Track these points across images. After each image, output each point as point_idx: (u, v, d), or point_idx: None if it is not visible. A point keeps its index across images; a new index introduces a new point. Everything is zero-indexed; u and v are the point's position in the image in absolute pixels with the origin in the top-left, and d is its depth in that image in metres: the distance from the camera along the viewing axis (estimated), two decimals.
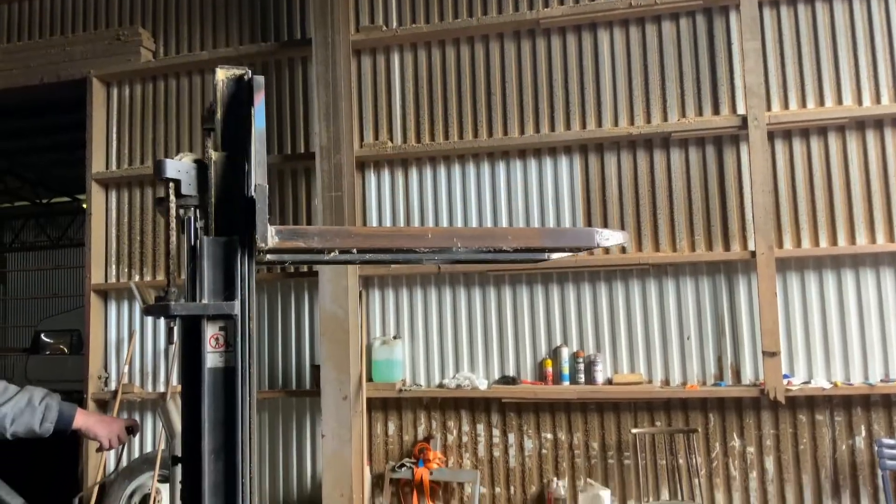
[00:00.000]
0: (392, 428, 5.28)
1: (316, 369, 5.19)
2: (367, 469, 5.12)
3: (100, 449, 2.23)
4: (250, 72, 2.15)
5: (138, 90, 6.03)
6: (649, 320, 5.00)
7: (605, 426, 4.99)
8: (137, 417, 5.65)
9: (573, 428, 5.03)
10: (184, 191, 2.06)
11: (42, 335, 12.81)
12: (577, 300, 5.12)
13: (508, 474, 5.08)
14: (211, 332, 2.09)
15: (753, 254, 4.72)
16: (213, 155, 2.09)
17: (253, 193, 2.05)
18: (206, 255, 2.07)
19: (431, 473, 5.01)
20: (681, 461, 4.79)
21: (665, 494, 4.78)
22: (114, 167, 5.97)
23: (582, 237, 2.44)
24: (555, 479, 4.97)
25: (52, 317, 13.67)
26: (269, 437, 5.44)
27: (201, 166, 2.08)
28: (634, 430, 4.79)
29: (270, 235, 2.08)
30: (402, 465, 5.07)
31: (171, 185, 2.04)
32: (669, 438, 4.84)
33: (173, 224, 2.07)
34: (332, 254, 2.21)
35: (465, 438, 5.17)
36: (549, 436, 5.06)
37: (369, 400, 5.17)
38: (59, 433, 2.18)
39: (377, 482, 5.20)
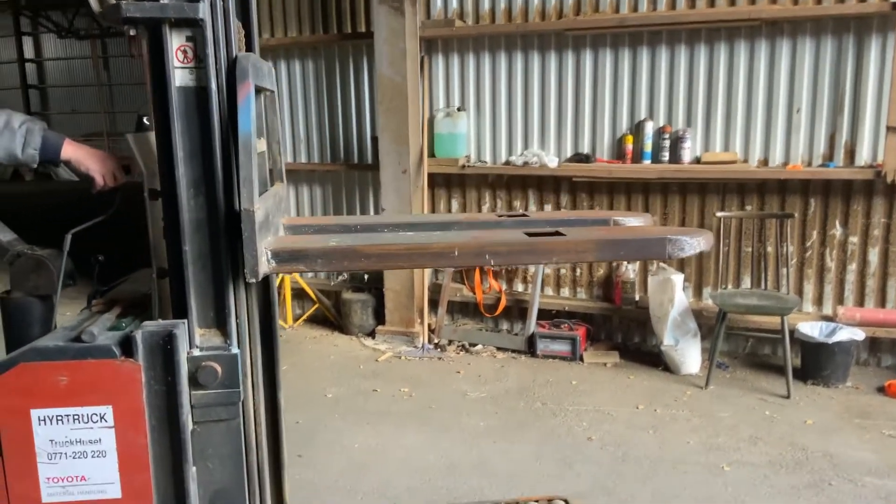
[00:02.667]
0: (455, 206, 5.02)
1: (375, 142, 4.89)
2: None
3: (93, 187, 2.03)
4: None
5: None
6: (753, 89, 4.27)
7: (686, 209, 4.52)
8: None
9: (651, 210, 4.59)
10: None
11: (144, 119, 13.15)
12: (669, 65, 4.41)
13: None
14: (177, 43, 1.72)
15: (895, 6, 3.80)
16: None
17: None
18: None
19: None
20: (769, 249, 4.32)
21: (747, 283, 4.38)
22: None
23: (649, 247, 1.90)
24: (625, 262, 4.65)
25: None
26: (334, 211, 5.33)
27: None
28: (720, 214, 4.30)
29: (266, 260, 1.77)
30: None
31: None
32: (759, 224, 4.33)
33: None
34: None
35: None
36: None
37: (431, 176, 4.88)
38: (46, 163, 1.98)
39: None
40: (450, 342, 4.80)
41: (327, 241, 1.91)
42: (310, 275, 5.45)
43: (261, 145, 2.24)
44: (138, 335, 1.71)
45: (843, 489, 2.90)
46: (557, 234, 2.00)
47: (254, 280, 1.80)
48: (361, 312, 4.99)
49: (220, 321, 1.84)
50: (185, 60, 1.74)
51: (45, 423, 1.71)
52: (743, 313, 4.11)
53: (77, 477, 1.74)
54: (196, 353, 1.80)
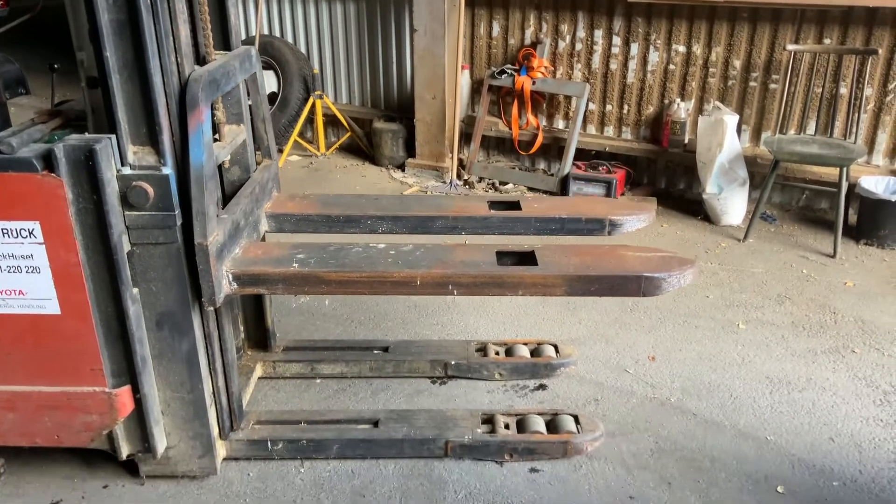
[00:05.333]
0: (496, 29, 4.58)
1: None
2: (464, 73, 4.62)
3: None
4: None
5: None
6: None
7: (754, 41, 3.96)
8: None
9: (713, 41, 4.05)
10: None
11: None
12: None
13: (624, 91, 4.37)
14: None
15: None
16: None
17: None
18: None
19: (534, 83, 4.42)
20: (843, 91, 3.78)
21: (811, 129, 3.90)
22: None
23: (623, 285, 1.84)
24: (678, 99, 4.20)
25: None
26: (368, 31, 4.98)
27: None
28: (791, 47, 3.74)
29: (227, 283, 1.83)
30: (503, 72, 4.50)
31: None
32: (837, 61, 3.76)
33: None
34: None
35: (578, 46, 4.40)
36: (682, 48, 4.14)
37: None
38: None
39: (476, 89, 4.73)
40: (480, 179, 4.59)
41: (293, 257, 1.91)
42: (343, 100, 5.24)
43: (241, 133, 2.16)
44: (58, 149, 1.59)
45: (866, 358, 2.68)
46: (531, 255, 1.95)
47: (211, 307, 1.84)
48: (392, 143, 4.80)
49: (152, 138, 1.70)
50: None
51: None
52: (797, 162, 3.70)
53: (15, 291, 1.71)
54: (127, 171, 1.69)
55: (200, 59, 1.93)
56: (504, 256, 1.95)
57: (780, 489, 2.04)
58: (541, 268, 1.86)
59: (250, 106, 2.23)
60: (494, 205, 2.27)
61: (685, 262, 1.89)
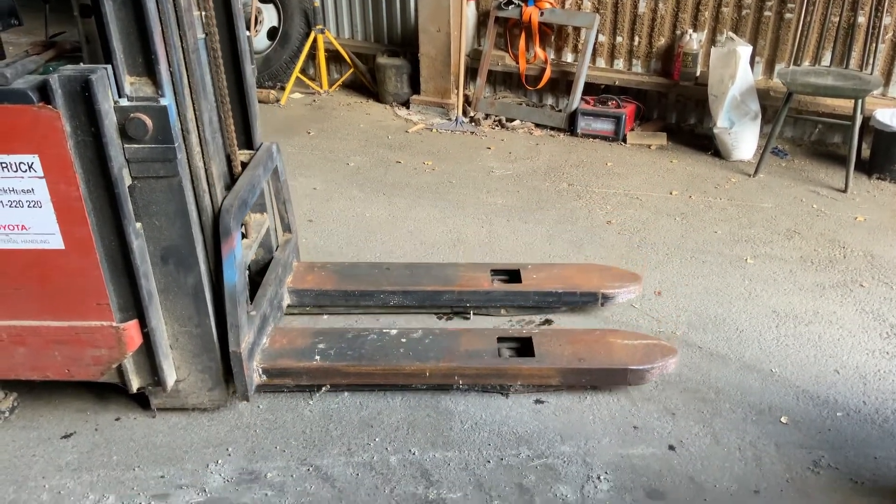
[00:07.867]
0: None
1: None
2: (470, 4, 4.48)
3: None
4: None
5: None
6: None
7: None
8: None
9: None
10: None
11: None
12: None
13: (635, 21, 4.23)
14: None
15: None
16: None
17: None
18: None
19: (542, 14, 4.28)
20: (861, 20, 3.65)
21: (826, 59, 3.79)
22: None
23: (611, 377, 2.09)
24: (690, 30, 4.07)
25: None
26: None
27: None
28: None
29: (257, 376, 2.03)
30: (510, 3, 4.36)
31: None
32: None
33: None
34: None
35: None
36: None
37: None
38: None
39: (482, 21, 4.60)
40: (486, 116, 4.51)
41: (315, 347, 2.13)
42: (345, 35, 5.11)
43: (264, 222, 2.30)
44: (53, 80, 1.56)
45: (875, 292, 2.66)
46: (529, 342, 2.13)
47: (246, 398, 2.02)
48: (396, 80, 4.70)
49: (149, 68, 1.66)
50: None
51: None
52: (811, 94, 3.60)
53: (17, 226, 1.70)
54: (124, 103, 1.65)
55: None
56: (504, 341, 2.17)
57: (783, 420, 2.06)
58: (537, 360, 2.07)
59: (272, 193, 2.42)
60: (496, 273, 2.52)
61: (668, 352, 2.09)
